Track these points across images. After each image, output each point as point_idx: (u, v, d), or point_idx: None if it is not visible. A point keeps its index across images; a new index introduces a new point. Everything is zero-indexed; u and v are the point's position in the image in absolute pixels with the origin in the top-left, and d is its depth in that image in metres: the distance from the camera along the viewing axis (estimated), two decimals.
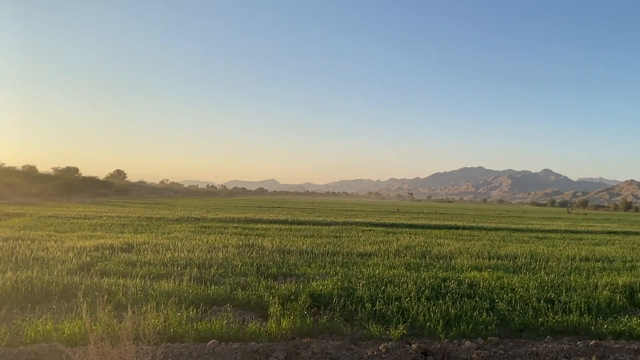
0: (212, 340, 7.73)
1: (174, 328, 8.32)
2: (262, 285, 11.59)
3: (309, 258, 16.73)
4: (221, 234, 24.96)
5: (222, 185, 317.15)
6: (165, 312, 8.85)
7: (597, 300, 11.44)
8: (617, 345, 8.66)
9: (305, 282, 12.29)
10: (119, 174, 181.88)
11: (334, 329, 8.97)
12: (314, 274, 13.73)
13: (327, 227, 32.56)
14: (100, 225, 28.05)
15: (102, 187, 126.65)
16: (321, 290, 11.20)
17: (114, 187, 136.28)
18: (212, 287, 11.24)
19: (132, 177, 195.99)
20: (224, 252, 17.16)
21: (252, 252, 17.52)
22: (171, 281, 11.66)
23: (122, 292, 10.48)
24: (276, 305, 9.75)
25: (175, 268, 13.70)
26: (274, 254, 17.44)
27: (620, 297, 12.00)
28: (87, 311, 6.85)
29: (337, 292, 11.05)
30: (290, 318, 8.99)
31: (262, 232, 27.21)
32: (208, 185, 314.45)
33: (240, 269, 13.93)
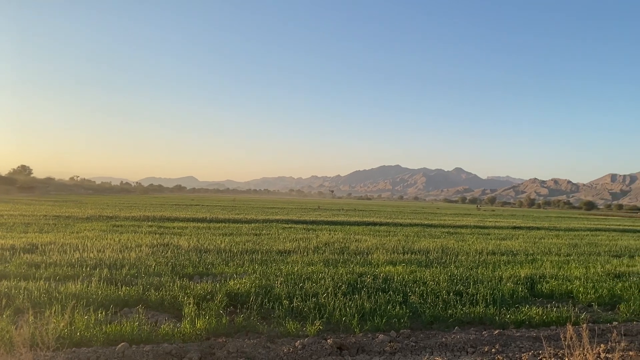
0: (122, 343, 7.41)
1: (81, 332, 7.90)
2: (177, 285, 11.26)
3: (227, 257, 16.49)
4: (135, 233, 24.01)
5: (137, 183, 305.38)
6: (71, 315, 8.37)
7: (501, 292, 12.16)
8: (518, 334, 9.25)
9: (223, 281, 12.10)
10: (24, 169, 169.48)
11: (251, 328, 8.89)
12: (231, 272, 13.54)
13: (247, 225, 32.26)
14: (0, 225, 26.07)
15: (3, 183, 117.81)
16: (238, 289, 11.07)
17: (18, 184, 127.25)
18: (124, 288, 10.79)
19: (39, 173, 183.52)
20: (137, 252, 16.52)
21: (167, 252, 17.00)
22: (79, 283, 11.04)
23: (24, 295, 9.80)
24: (191, 306, 9.51)
25: (83, 269, 13.01)
26: (190, 253, 17.02)
27: (522, 288, 12.83)
28: None
29: (255, 290, 10.98)
30: (205, 318, 8.82)
31: (179, 230, 26.48)
32: (122, 182, 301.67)
33: (154, 269, 13.46)
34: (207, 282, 11.87)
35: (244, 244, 20.10)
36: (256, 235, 25.40)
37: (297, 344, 7.97)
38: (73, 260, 14.22)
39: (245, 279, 12.19)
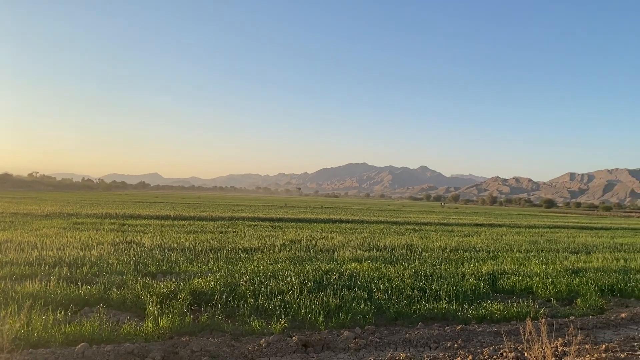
0: (82, 344, 7.22)
1: (39, 332, 7.67)
2: (140, 284, 11.05)
3: (192, 255, 16.28)
4: (96, 230, 23.46)
5: (99, 179, 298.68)
6: (28, 315, 8.12)
7: (464, 288, 12.37)
8: (480, 329, 9.45)
9: (187, 279, 11.93)
10: None
11: (215, 326, 8.81)
12: (196, 270, 13.37)
13: (212, 223, 31.94)
14: None
15: None
16: (203, 287, 10.94)
17: None
18: (84, 287, 10.52)
19: None
20: (99, 250, 16.15)
21: (130, 250, 16.66)
22: (37, 282, 10.71)
23: None
24: (154, 304, 9.36)
25: (42, 268, 12.64)
26: (153, 251, 16.73)
27: (483, 284, 13.11)
28: None
29: (220, 288, 10.86)
30: (168, 317, 8.69)
31: (142, 228, 26.00)
32: (84, 178, 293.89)
33: (117, 268, 13.17)
34: (170, 280, 11.69)
35: (209, 242, 19.89)
36: (221, 233, 25.17)
37: (262, 341, 7.94)
38: (31, 259, 13.80)
39: (210, 277, 12.05)
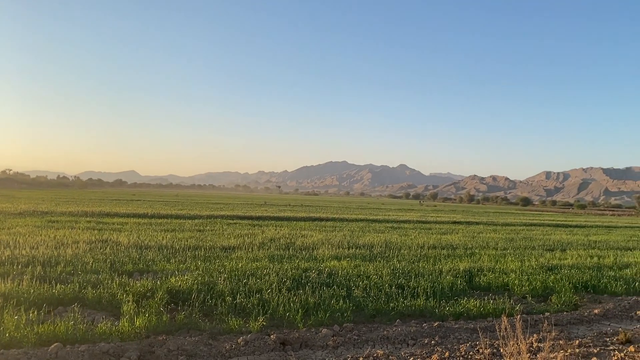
0: (56, 344, 7.09)
1: (10, 333, 7.51)
2: (116, 282, 10.89)
3: (169, 253, 16.10)
4: (72, 229, 23.02)
5: (75, 177, 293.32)
6: None
7: (441, 285, 12.49)
8: (456, 325, 9.55)
9: (164, 278, 11.79)
10: None
11: (192, 325, 8.73)
12: (173, 269, 13.23)
13: (190, 221, 31.68)
14: None
15: None
16: (180, 285, 10.83)
17: None
18: (58, 286, 10.31)
19: None
20: (74, 249, 15.87)
21: (106, 248, 16.41)
22: (9, 281, 10.47)
23: None
24: (130, 303, 9.24)
25: (15, 267, 12.36)
26: (130, 249, 16.50)
27: (460, 281, 13.24)
28: None
29: (197, 287, 10.77)
30: (145, 316, 8.58)
31: (119, 226, 25.63)
32: (59, 176, 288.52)
33: (92, 266, 12.96)
34: (147, 279, 11.55)
35: (187, 240, 19.72)
36: (199, 231, 24.98)
37: (239, 340, 7.89)
38: (3, 258, 13.49)
39: (187, 275, 11.93)
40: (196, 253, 16.33)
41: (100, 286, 10.60)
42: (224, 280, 11.58)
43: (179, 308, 9.66)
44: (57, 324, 7.86)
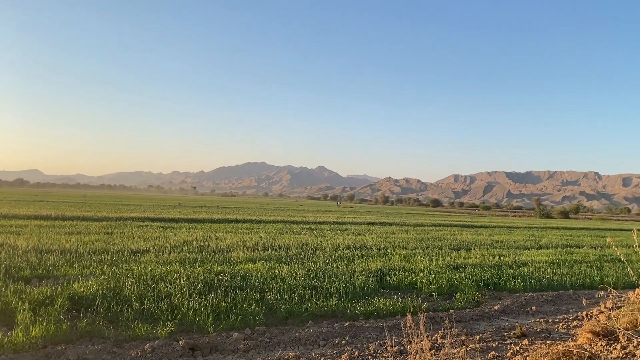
0: None
1: None
2: (11, 289, 10.11)
3: (73, 257, 15.22)
4: None
5: None
6: None
7: (353, 285, 12.75)
8: (367, 325, 9.79)
9: (65, 284, 11.11)
10: None
11: (96, 333, 8.30)
12: (76, 274, 12.51)
13: (97, 223, 30.12)
14: None
15: None
16: (83, 291, 10.27)
17: None
18: None
19: None
20: None
21: (1, 253, 15.22)
22: None
23: None
24: (26, 312, 8.62)
25: None
26: (29, 254, 15.38)
27: (372, 280, 13.58)
28: None
29: (102, 292, 10.27)
30: (42, 325, 8.04)
31: (17, 229, 23.86)
32: None
33: None
34: (47, 285, 10.84)
35: (93, 244, 18.73)
36: (107, 234, 23.81)
37: (146, 347, 7.61)
38: None
39: (91, 280, 11.34)
40: (103, 257, 15.56)
41: None
42: (131, 285, 11.11)
43: (82, 315, 9.15)
44: None
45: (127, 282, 11.44)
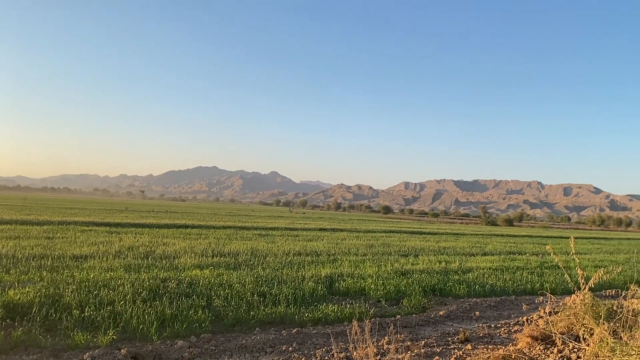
0: None
1: None
2: None
3: (9, 263, 14.51)
4: None
5: None
6: None
7: (303, 291, 12.74)
8: (314, 331, 9.79)
9: (0, 291, 10.58)
10: None
11: (32, 342, 7.93)
12: (12, 281, 11.93)
13: (38, 227, 28.84)
14: None
15: None
16: (19, 299, 9.80)
17: None
18: None
19: None
20: None
21: None
22: None
23: None
24: None
25: None
26: None
27: (321, 287, 13.60)
28: None
29: (40, 299, 9.83)
30: None
31: None
32: None
33: None
34: None
35: (32, 249, 17.94)
36: (48, 238, 22.85)
37: (85, 356, 7.35)
38: None
39: (29, 287, 10.85)
40: (42, 262, 14.92)
41: None
42: (72, 292, 10.70)
43: (17, 324, 8.72)
44: None
45: (68, 288, 11.01)
